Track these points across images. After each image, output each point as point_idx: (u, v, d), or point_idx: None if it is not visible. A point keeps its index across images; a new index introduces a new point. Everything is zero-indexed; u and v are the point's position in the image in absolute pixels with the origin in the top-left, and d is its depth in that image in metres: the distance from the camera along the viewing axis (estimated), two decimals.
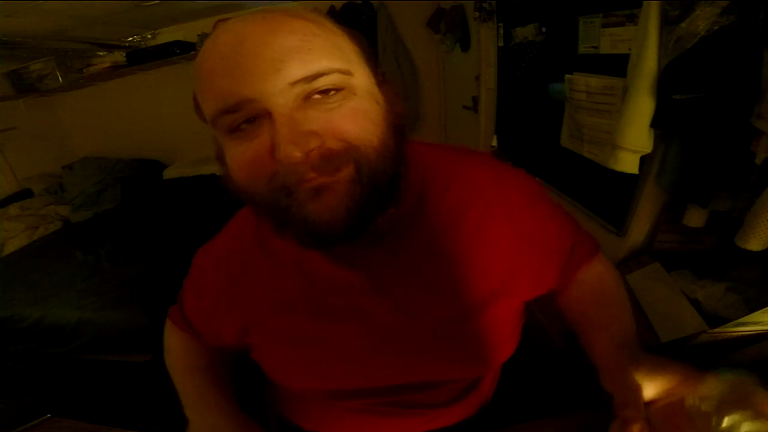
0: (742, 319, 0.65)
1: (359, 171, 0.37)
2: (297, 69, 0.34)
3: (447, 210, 0.48)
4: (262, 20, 0.36)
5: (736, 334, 0.67)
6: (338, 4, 2.41)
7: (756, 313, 0.63)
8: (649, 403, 0.42)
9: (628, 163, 0.93)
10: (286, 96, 0.35)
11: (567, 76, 1.18)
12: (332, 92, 0.36)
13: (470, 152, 0.55)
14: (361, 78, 0.39)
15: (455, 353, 0.49)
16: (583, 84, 1.12)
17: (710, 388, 0.39)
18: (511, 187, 0.51)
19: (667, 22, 0.78)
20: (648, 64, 0.83)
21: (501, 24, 1.67)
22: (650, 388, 0.43)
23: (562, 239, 0.55)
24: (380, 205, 0.41)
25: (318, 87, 0.35)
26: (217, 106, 0.36)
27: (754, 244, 0.70)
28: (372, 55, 0.42)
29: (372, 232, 0.44)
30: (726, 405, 0.37)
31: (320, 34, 0.37)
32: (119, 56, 2.56)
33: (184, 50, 2.44)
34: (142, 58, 2.46)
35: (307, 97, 0.36)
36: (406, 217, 0.47)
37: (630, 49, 0.91)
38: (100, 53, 2.56)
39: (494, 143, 1.90)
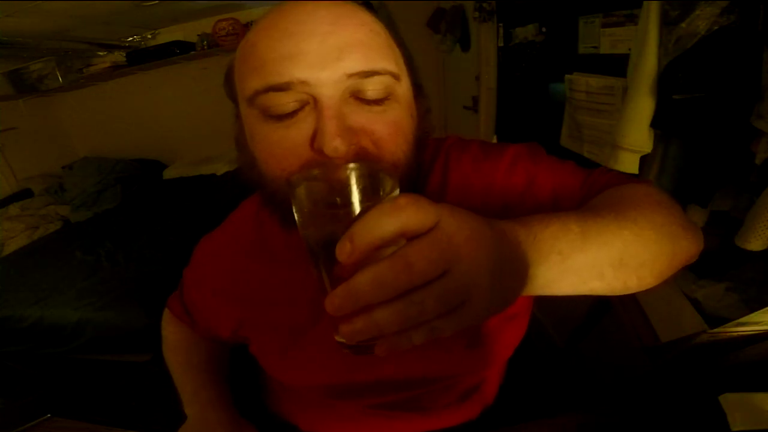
0: (742, 319, 0.64)
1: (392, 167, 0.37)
2: (357, 62, 0.34)
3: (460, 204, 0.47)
4: (331, 5, 0.36)
5: (736, 334, 0.66)
6: None
7: (756, 313, 0.63)
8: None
9: (628, 163, 0.93)
10: (338, 87, 0.34)
11: (567, 76, 1.18)
12: (379, 100, 0.36)
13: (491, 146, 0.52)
14: (405, 86, 0.39)
15: (449, 341, 0.49)
16: (583, 84, 1.12)
17: None
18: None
19: (667, 22, 0.78)
20: (648, 64, 0.83)
21: (501, 24, 1.67)
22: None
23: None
24: None
25: (369, 87, 0.35)
26: (265, 82, 0.35)
27: (754, 244, 0.70)
28: (412, 65, 0.42)
29: None
30: None
31: (381, 32, 0.38)
32: (119, 56, 2.56)
33: (184, 50, 2.44)
34: (142, 58, 2.46)
35: (354, 94, 0.36)
36: None
37: (630, 49, 0.91)
38: (100, 53, 2.56)
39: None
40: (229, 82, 0.42)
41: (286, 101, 0.35)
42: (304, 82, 0.34)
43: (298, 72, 0.34)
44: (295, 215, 0.26)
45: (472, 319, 0.24)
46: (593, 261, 0.31)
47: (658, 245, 0.35)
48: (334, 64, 0.34)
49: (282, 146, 0.36)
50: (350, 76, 0.34)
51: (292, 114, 0.35)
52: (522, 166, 0.47)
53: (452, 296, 0.22)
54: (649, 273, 0.35)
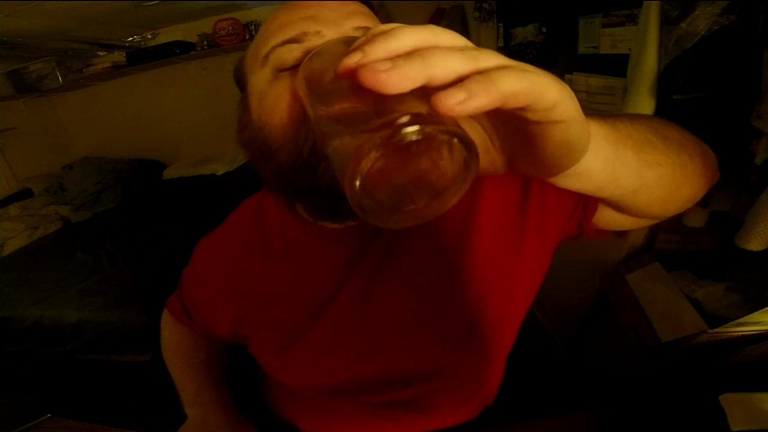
0: (742, 319, 0.64)
1: None
2: (364, 21, 0.39)
3: None
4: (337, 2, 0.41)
5: (736, 334, 0.67)
6: None
7: (756, 313, 0.63)
8: None
9: None
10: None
11: (567, 76, 1.18)
12: None
13: None
14: None
15: (449, 335, 0.49)
16: (583, 84, 1.12)
17: None
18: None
19: (667, 22, 0.78)
20: (648, 64, 0.83)
21: (501, 24, 1.67)
22: None
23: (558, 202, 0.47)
24: None
25: None
26: (281, 38, 0.37)
27: (754, 244, 0.70)
28: None
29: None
30: None
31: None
32: (119, 56, 2.56)
33: (184, 50, 2.44)
34: (142, 58, 2.46)
35: None
36: None
37: (630, 49, 0.91)
38: (100, 53, 2.56)
39: None
40: (240, 69, 0.45)
41: (298, 53, 0.37)
42: (318, 32, 0.37)
43: (313, 26, 0.37)
44: (306, 100, 0.26)
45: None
46: (634, 127, 0.31)
47: (681, 133, 0.37)
48: (345, 21, 0.38)
49: (291, 91, 0.37)
50: (357, 29, 0.38)
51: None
52: None
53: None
54: (693, 152, 0.36)
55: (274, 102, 0.38)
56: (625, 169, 0.30)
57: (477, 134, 0.26)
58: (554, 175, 0.26)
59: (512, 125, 0.24)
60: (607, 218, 0.46)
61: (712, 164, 0.40)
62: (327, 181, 0.36)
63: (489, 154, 0.27)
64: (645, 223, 0.46)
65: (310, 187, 0.38)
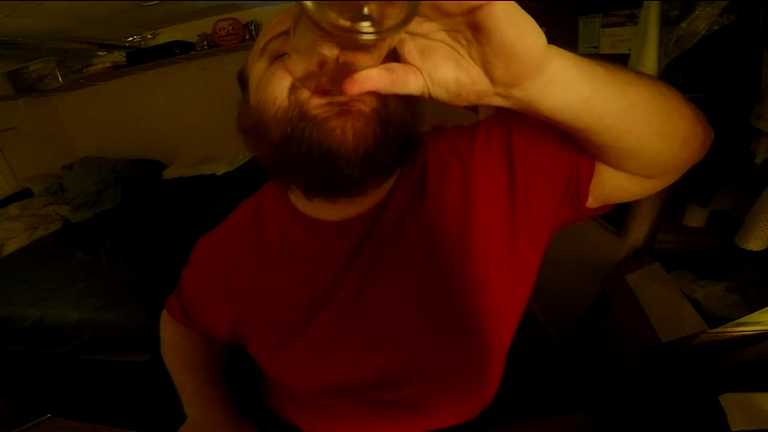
0: (742, 319, 0.64)
1: (385, 105, 0.40)
2: None
3: (441, 187, 0.49)
4: None
5: (736, 334, 0.67)
6: None
7: (756, 313, 0.63)
8: None
9: None
10: None
11: None
12: None
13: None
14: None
15: (447, 331, 0.49)
16: None
17: None
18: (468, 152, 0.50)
19: (667, 22, 0.78)
20: (648, 64, 0.83)
21: None
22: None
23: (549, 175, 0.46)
24: (392, 157, 0.43)
25: None
26: (276, 32, 0.40)
27: (754, 244, 0.70)
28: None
29: (361, 200, 0.47)
30: None
31: None
32: (119, 56, 2.56)
33: (184, 50, 2.44)
34: (142, 58, 2.46)
35: None
36: (402, 192, 0.49)
37: (630, 49, 0.91)
38: (100, 53, 2.56)
39: None
40: (242, 71, 0.48)
41: None
42: None
43: None
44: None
45: None
46: (603, 60, 0.34)
47: (661, 84, 0.37)
48: None
49: (283, 68, 0.39)
50: None
51: None
52: (495, 134, 0.48)
53: None
54: (671, 90, 0.36)
55: (268, 79, 0.41)
56: (603, 83, 0.32)
57: (443, 52, 0.29)
58: (531, 72, 0.28)
59: (468, 31, 0.27)
60: (610, 183, 0.44)
61: (697, 111, 0.40)
62: (316, 144, 0.38)
63: (462, 67, 0.29)
64: (652, 186, 0.44)
65: (300, 155, 0.40)
